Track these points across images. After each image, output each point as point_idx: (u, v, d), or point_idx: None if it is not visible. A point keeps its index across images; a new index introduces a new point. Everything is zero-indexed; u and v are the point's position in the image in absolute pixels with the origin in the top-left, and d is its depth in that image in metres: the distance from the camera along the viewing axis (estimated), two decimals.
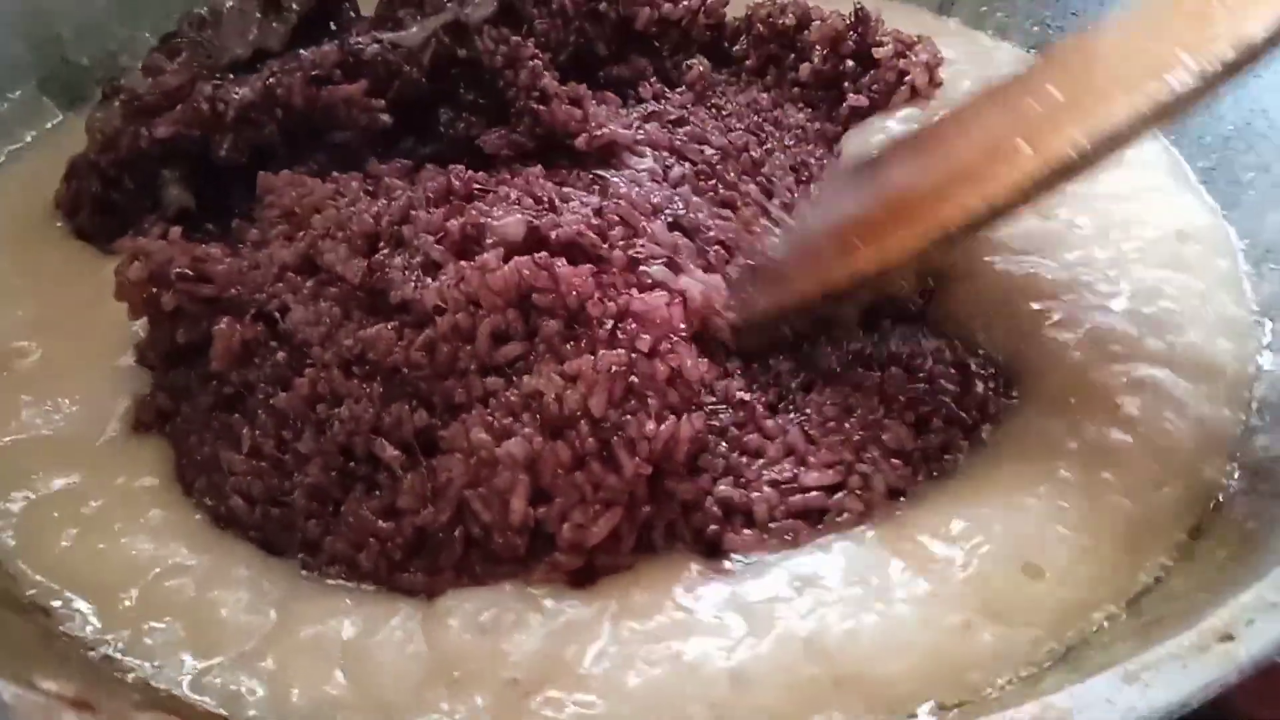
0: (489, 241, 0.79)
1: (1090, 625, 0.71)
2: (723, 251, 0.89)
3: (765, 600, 0.71)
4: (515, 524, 0.71)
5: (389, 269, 0.78)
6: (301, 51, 0.93)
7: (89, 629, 0.71)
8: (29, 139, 1.10)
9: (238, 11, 0.94)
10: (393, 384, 0.75)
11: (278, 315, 0.79)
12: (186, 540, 0.76)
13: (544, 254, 0.78)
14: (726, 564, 0.74)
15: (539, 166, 0.90)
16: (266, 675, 0.69)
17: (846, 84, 1.09)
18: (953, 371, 0.83)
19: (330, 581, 0.74)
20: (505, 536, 0.72)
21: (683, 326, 0.79)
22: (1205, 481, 0.79)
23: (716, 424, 0.79)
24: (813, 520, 0.76)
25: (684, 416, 0.75)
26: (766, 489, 0.77)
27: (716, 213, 0.93)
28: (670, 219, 0.88)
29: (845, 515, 0.76)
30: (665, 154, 0.96)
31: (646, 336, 0.77)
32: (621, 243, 0.82)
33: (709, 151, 0.98)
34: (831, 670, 0.67)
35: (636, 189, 0.90)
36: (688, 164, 0.96)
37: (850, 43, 1.09)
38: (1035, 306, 0.88)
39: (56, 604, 0.73)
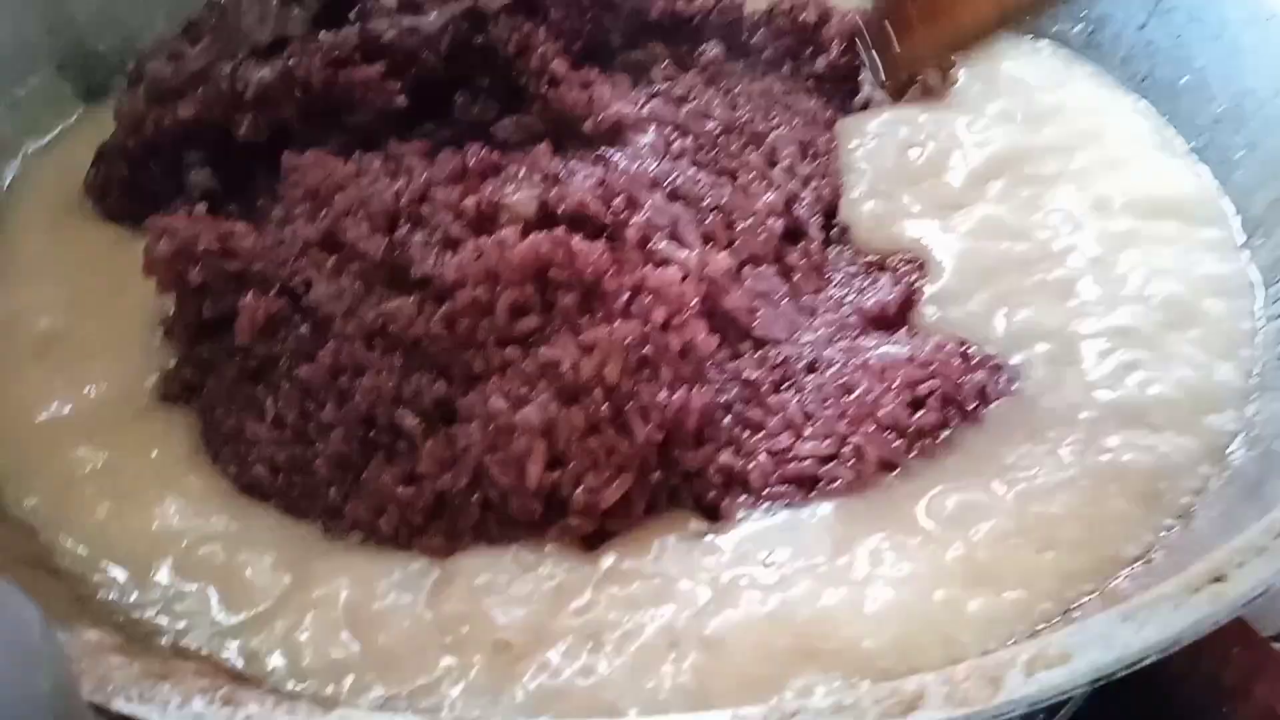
0: (504, 218, 0.81)
1: (1088, 589, 0.72)
2: (721, 217, 0.92)
3: (755, 567, 0.73)
4: (532, 488, 0.74)
5: (409, 245, 0.80)
6: (321, 34, 0.95)
7: (125, 597, 0.74)
8: (59, 129, 1.11)
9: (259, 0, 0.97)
10: (413, 355, 0.78)
11: (301, 290, 0.81)
12: (217, 508, 0.79)
13: (560, 230, 0.80)
14: (722, 530, 0.76)
15: (545, 144, 0.92)
16: (282, 635, 0.71)
17: (861, 77, 1.10)
18: (954, 360, 0.85)
19: (349, 544, 0.76)
20: (522, 500, 0.74)
21: (695, 302, 0.82)
22: (1207, 446, 0.80)
23: (725, 400, 0.81)
24: (806, 488, 0.78)
25: (695, 387, 0.78)
26: (763, 457, 0.79)
27: (716, 181, 0.95)
28: (669, 190, 0.90)
29: (837, 483, 0.78)
30: (669, 129, 0.99)
31: (660, 310, 0.79)
32: (625, 213, 0.84)
33: (710, 125, 1.00)
34: (815, 637, 0.69)
35: (638, 163, 0.92)
36: (690, 137, 0.99)
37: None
38: (1028, 284, 0.91)
39: (94, 575, 0.75)
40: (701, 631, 0.70)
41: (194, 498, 0.79)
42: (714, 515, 0.77)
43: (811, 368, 0.85)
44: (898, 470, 0.79)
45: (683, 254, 0.84)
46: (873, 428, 0.80)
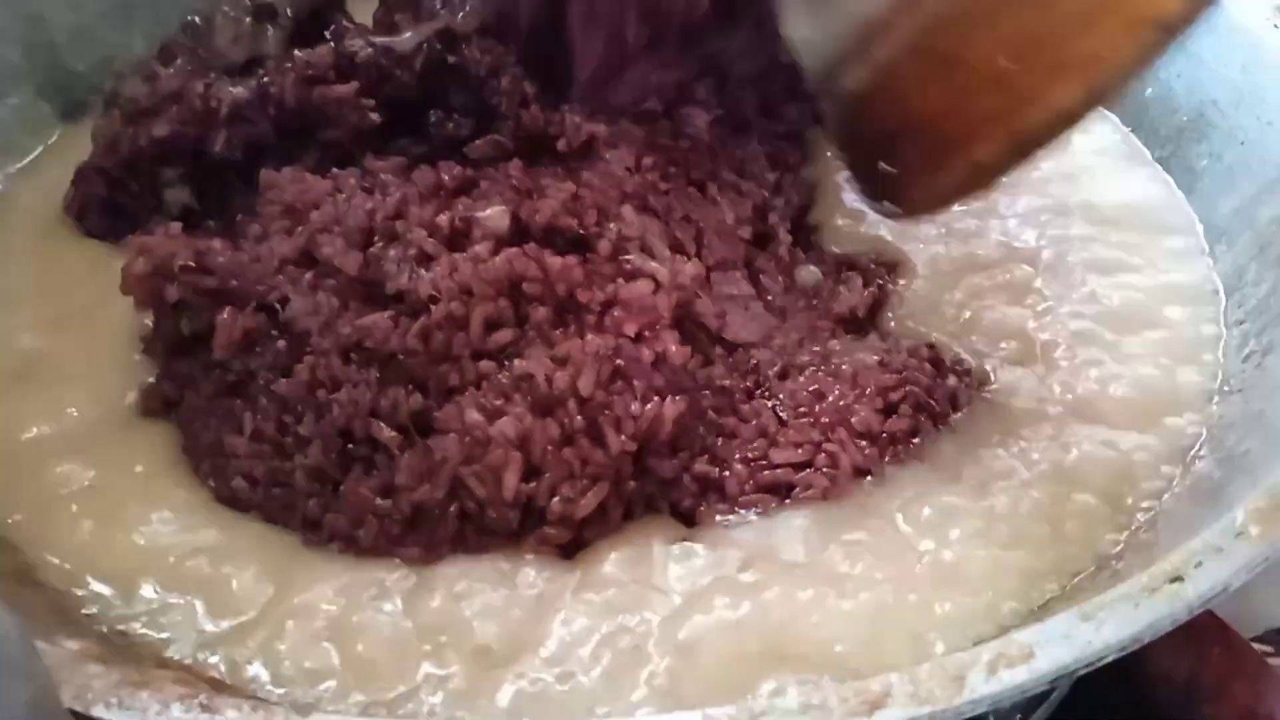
0: (477, 233, 0.83)
1: (1054, 589, 0.74)
2: (691, 228, 0.93)
3: (730, 572, 0.74)
4: (508, 499, 0.75)
5: (384, 261, 0.81)
6: (296, 52, 0.96)
7: (108, 610, 0.74)
8: (39, 151, 1.12)
9: (231, 19, 0.98)
10: (389, 369, 0.79)
11: (278, 306, 0.82)
12: (200, 520, 0.79)
13: (533, 245, 0.82)
14: (697, 536, 0.77)
15: (517, 160, 0.93)
16: (263, 645, 0.72)
17: None
18: (927, 365, 0.86)
19: (330, 554, 0.77)
20: (499, 511, 0.75)
21: (667, 314, 0.83)
22: (1170, 448, 0.82)
23: (697, 407, 0.82)
24: (780, 495, 0.79)
25: (668, 398, 0.79)
26: (738, 465, 0.80)
27: (687, 193, 0.96)
28: (639, 203, 0.91)
29: (811, 490, 0.79)
30: (639, 144, 1.00)
31: (632, 323, 0.81)
32: (595, 228, 0.86)
33: (683, 143, 1.01)
34: (788, 641, 0.70)
35: (608, 177, 0.93)
36: (659, 153, 1.00)
37: None
38: (995, 289, 0.93)
39: (77, 589, 0.76)
40: (676, 636, 0.71)
41: (177, 510, 0.80)
42: (690, 522, 0.79)
43: (784, 374, 0.86)
44: (871, 476, 0.80)
45: (653, 265, 0.85)
46: (846, 435, 0.81)
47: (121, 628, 0.73)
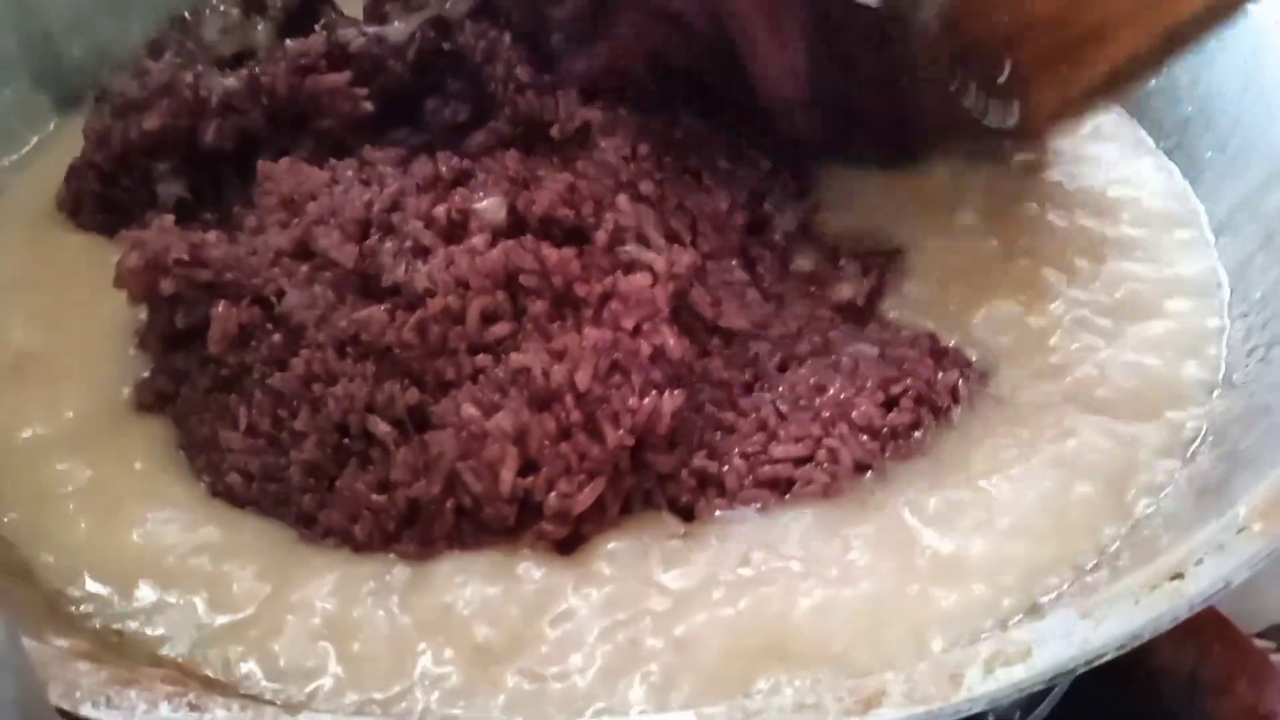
0: (474, 225, 0.82)
1: (1055, 584, 0.73)
2: (684, 216, 0.92)
3: (728, 568, 0.74)
4: (505, 494, 0.74)
5: (380, 254, 0.81)
6: (288, 42, 0.96)
7: (103, 608, 0.74)
8: (34, 142, 1.12)
9: (220, 12, 0.98)
10: (385, 363, 0.78)
11: (273, 299, 0.82)
12: (200, 518, 0.79)
13: (530, 237, 0.81)
14: (695, 533, 0.77)
15: (513, 150, 0.93)
16: (259, 642, 0.71)
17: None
18: (928, 358, 0.86)
19: (327, 549, 0.77)
20: (495, 506, 0.75)
21: (665, 308, 0.82)
22: (1172, 443, 0.82)
23: (696, 401, 0.82)
24: (780, 490, 0.79)
25: (666, 392, 0.79)
26: (737, 460, 0.80)
27: (681, 180, 0.96)
28: (635, 191, 0.91)
29: (812, 486, 0.78)
30: (635, 133, 0.99)
31: (630, 316, 0.80)
32: (592, 218, 0.85)
33: (678, 130, 1.00)
34: (786, 637, 0.70)
35: (603, 167, 0.93)
36: (654, 140, 0.99)
37: None
38: (995, 280, 0.92)
39: (72, 588, 0.75)
40: (673, 632, 0.70)
41: (176, 507, 0.80)
42: (688, 517, 0.78)
43: (783, 366, 0.86)
44: (871, 471, 0.80)
45: (650, 255, 0.85)
46: (846, 429, 0.80)
47: (117, 626, 0.73)
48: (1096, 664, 0.58)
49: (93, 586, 0.75)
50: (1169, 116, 1.07)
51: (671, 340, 0.81)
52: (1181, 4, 0.70)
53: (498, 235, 0.81)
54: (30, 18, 1.13)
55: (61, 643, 0.62)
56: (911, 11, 0.78)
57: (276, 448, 0.80)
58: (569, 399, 0.76)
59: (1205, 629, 0.83)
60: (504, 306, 0.79)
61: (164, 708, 0.56)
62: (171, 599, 0.74)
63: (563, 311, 0.80)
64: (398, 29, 0.96)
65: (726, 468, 0.79)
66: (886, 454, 0.80)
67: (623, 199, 0.89)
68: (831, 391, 0.83)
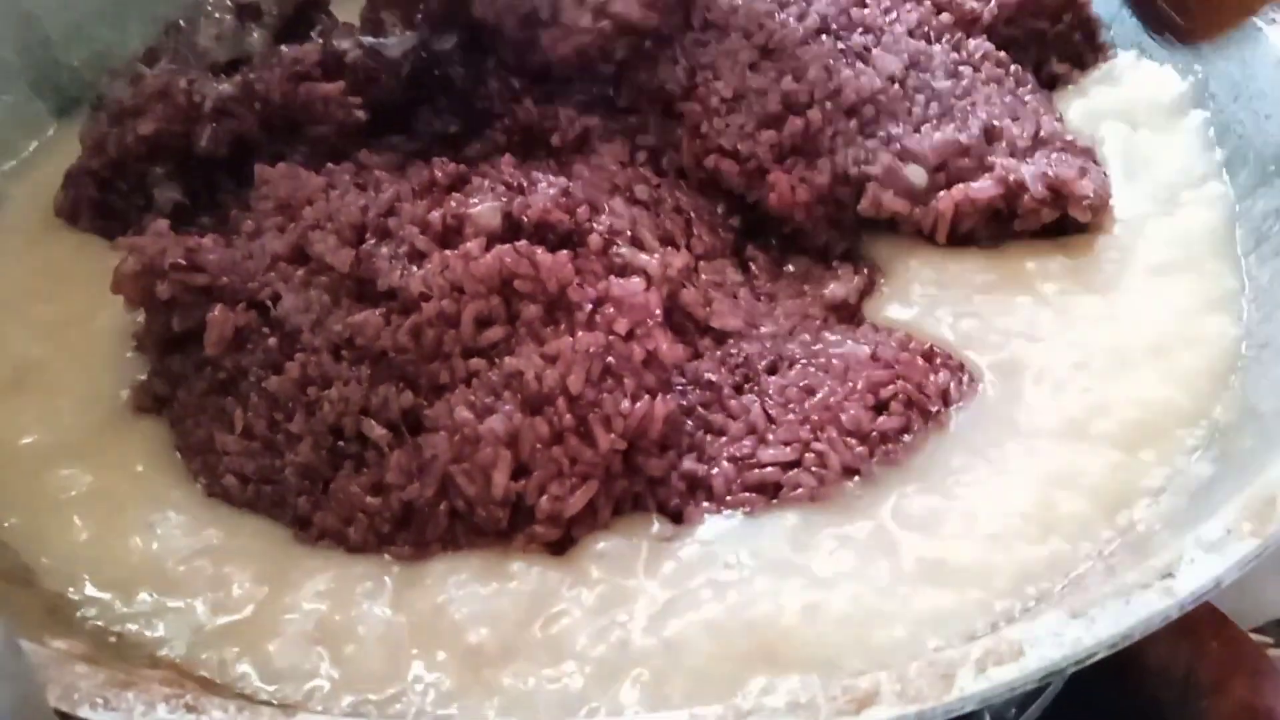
0: (469, 230, 0.82)
1: (1047, 587, 0.73)
2: (679, 218, 0.93)
3: (718, 570, 0.74)
4: (497, 497, 0.75)
5: (376, 258, 0.81)
6: (283, 48, 0.97)
7: (106, 613, 0.74)
8: (33, 149, 1.12)
9: (214, 19, 0.98)
10: (380, 367, 0.79)
11: (269, 303, 0.82)
12: (200, 521, 0.79)
13: (524, 242, 0.81)
14: (685, 535, 0.77)
15: (508, 155, 0.94)
16: (255, 644, 0.72)
17: None
18: (918, 359, 0.86)
19: (323, 552, 0.77)
20: (488, 509, 0.75)
21: (659, 312, 0.83)
22: (1165, 447, 0.81)
23: (686, 404, 0.82)
24: (769, 494, 0.79)
25: (659, 396, 0.79)
26: (725, 464, 0.80)
27: (677, 183, 0.97)
28: (628, 195, 0.92)
29: (800, 490, 0.78)
30: (633, 138, 1.01)
31: (624, 320, 0.80)
32: (587, 223, 0.86)
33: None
34: (776, 639, 0.70)
35: (600, 171, 0.94)
36: (650, 146, 1.00)
37: None
38: (982, 295, 0.92)
39: (72, 591, 0.76)
40: (663, 635, 0.70)
41: (175, 510, 0.80)
42: (678, 520, 0.78)
43: (773, 369, 0.86)
44: (859, 476, 0.79)
45: (643, 259, 0.85)
46: (835, 433, 0.80)
47: (116, 628, 0.73)
48: (1088, 663, 0.58)
49: (94, 591, 0.76)
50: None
51: (664, 345, 0.82)
52: None
53: (492, 240, 0.82)
54: (29, 26, 1.13)
55: (60, 645, 0.62)
56: None
57: (272, 450, 0.80)
58: (561, 403, 0.76)
59: (1202, 626, 0.83)
60: (498, 311, 0.80)
61: (161, 709, 0.56)
62: (171, 602, 0.74)
63: (556, 316, 0.81)
64: (393, 44, 0.97)
65: (715, 471, 0.80)
66: (874, 458, 0.80)
67: (617, 202, 0.89)
68: (821, 394, 0.83)
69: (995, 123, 0.97)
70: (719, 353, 0.87)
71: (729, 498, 0.78)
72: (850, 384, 0.83)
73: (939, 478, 0.79)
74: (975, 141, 0.95)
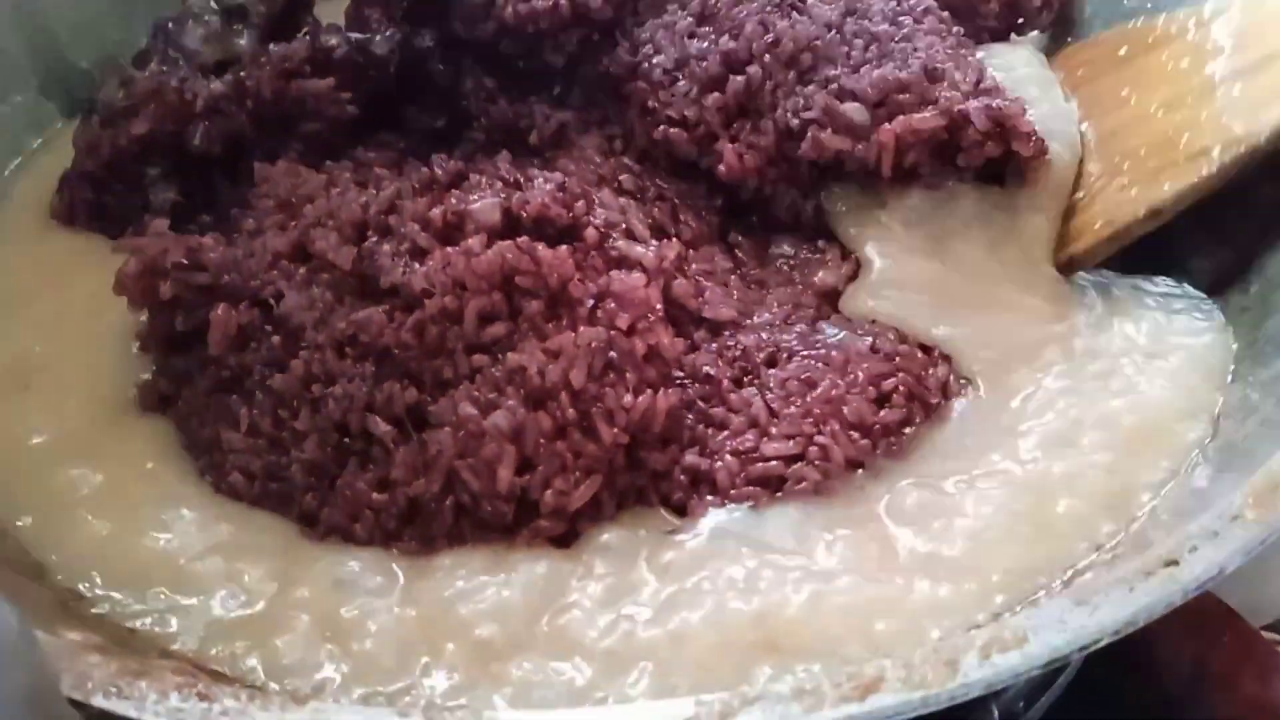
0: (469, 227, 0.83)
1: (1046, 581, 0.73)
2: (665, 205, 0.93)
3: (721, 563, 0.74)
4: (502, 492, 0.75)
5: (378, 255, 0.82)
6: (272, 47, 0.97)
7: (119, 609, 0.75)
8: (42, 148, 1.12)
9: (202, 21, 0.99)
10: (384, 364, 0.79)
11: (272, 301, 0.83)
12: (210, 516, 0.80)
13: (525, 238, 0.82)
14: (688, 528, 0.77)
15: (505, 152, 0.95)
16: (266, 638, 0.72)
17: None
18: (917, 352, 0.86)
19: (332, 548, 0.77)
20: (493, 504, 0.76)
21: (659, 306, 0.83)
22: (1167, 441, 0.80)
23: (686, 397, 0.83)
24: (772, 488, 0.79)
25: (660, 390, 0.79)
26: (729, 458, 0.80)
27: (653, 171, 0.98)
28: (615, 185, 0.92)
29: (804, 484, 0.78)
30: (609, 130, 1.02)
31: (625, 315, 0.81)
32: (585, 217, 0.86)
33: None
34: (779, 631, 0.70)
35: (583, 164, 0.94)
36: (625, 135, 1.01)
37: None
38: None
39: (84, 586, 0.76)
40: (669, 626, 0.71)
41: (186, 505, 0.80)
42: (682, 513, 0.79)
43: (772, 361, 0.86)
44: (863, 469, 0.80)
45: (639, 250, 0.86)
46: (838, 426, 0.81)
47: (130, 624, 0.74)
48: (1092, 650, 0.59)
49: (107, 588, 0.76)
50: None
51: (666, 339, 0.82)
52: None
53: (493, 236, 0.82)
54: (38, 27, 1.14)
55: (74, 636, 0.63)
56: None
57: (278, 448, 0.80)
58: (564, 397, 0.77)
59: (1211, 620, 0.83)
60: (500, 307, 0.80)
61: (174, 698, 0.57)
62: (183, 598, 0.75)
63: (558, 311, 0.81)
64: (380, 42, 0.97)
65: (719, 465, 0.80)
66: (878, 451, 0.81)
67: (606, 194, 0.90)
68: (822, 387, 0.83)
69: (938, 65, 0.93)
70: (716, 345, 0.87)
71: (733, 491, 0.79)
72: (851, 376, 0.83)
73: (940, 471, 0.80)
74: (916, 78, 0.92)
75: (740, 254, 0.96)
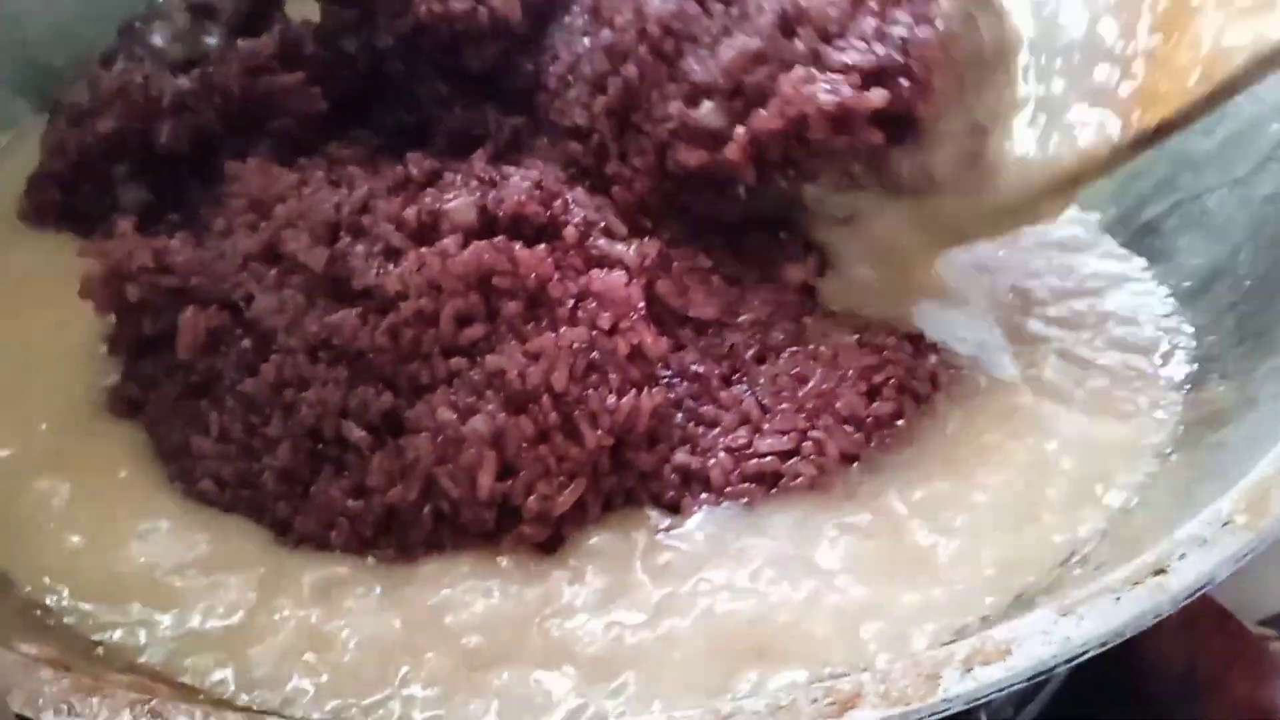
0: (445, 226, 0.81)
1: (1033, 580, 0.72)
2: (627, 195, 0.90)
3: (712, 565, 0.74)
4: (483, 499, 0.74)
5: (351, 256, 0.80)
6: (240, 42, 0.96)
7: (88, 621, 0.73)
8: (11, 145, 1.11)
9: (170, 19, 0.98)
10: (358, 367, 0.78)
11: (242, 304, 0.81)
12: (186, 525, 0.78)
13: (502, 238, 0.80)
14: (679, 528, 0.76)
15: (481, 150, 0.93)
16: (242, 649, 0.71)
17: None
18: (905, 344, 0.85)
19: (311, 557, 0.76)
20: (474, 511, 0.74)
21: (641, 305, 0.82)
22: (1149, 443, 0.81)
23: (674, 396, 0.81)
24: (767, 484, 0.78)
25: (645, 390, 0.78)
26: (722, 455, 0.79)
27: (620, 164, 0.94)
28: (586, 184, 0.90)
29: (799, 479, 0.78)
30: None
31: (607, 315, 0.79)
32: (563, 215, 0.84)
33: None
34: (767, 635, 0.69)
35: (551, 163, 0.92)
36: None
37: None
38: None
39: (50, 599, 0.74)
40: (656, 631, 0.70)
41: (159, 515, 0.79)
42: (674, 512, 0.78)
43: (761, 358, 0.85)
44: (858, 463, 0.79)
45: (619, 248, 0.84)
46: (831, 420, 0.80)
47: (98, 637, 0.72)
48: (1078, 662, 0.57)
49: (77, 601, 0.74)
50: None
51: (649, 339, 0.81)
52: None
53: (469, 236, 0.80)
54: (10, 26, 1.13)
55: (29, 649, 0.61)
56: None
57: (249, 454, 0.79)
58: (546, 400, 0.75)
59: (1203, 620, 0.83)
60: (477, 308, 0.78)
61: (125, 715, 0.56)
62: (159, 611, 0.73)
63: (537, 312, 0.79)
64: (348, 42, 0.96)
65: (712, 462, 0.79)
66: (872, 444, 0.80)
67: (579, 192, 0.88)
68: (813, 382, 0.82)
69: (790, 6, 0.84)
70: (703, 343, 0.86)
71: (728, 489, 0.78)
72: (841, 371, 0.83)
73: (934, 464, 0.79)
74: (769, 40, 0.83)
75: (715, 251, 0.93)
